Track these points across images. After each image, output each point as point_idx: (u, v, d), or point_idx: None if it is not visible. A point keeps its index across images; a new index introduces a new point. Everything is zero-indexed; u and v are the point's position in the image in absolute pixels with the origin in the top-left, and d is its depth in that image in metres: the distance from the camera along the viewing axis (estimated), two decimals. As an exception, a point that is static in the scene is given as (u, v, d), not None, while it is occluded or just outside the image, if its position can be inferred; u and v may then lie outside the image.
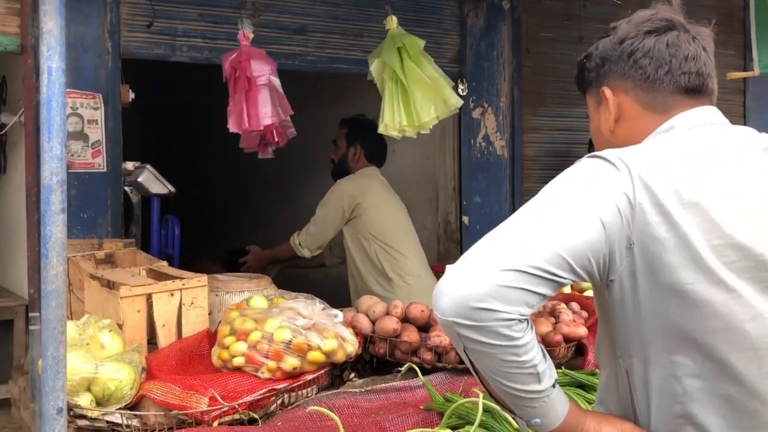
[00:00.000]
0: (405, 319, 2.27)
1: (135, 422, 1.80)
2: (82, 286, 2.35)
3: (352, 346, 2.08)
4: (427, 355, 2.16)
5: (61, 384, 1.50)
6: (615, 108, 1.26)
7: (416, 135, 2.94)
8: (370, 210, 3.42)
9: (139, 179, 3.21)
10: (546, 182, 1.16)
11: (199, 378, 1.91)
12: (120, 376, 1.81)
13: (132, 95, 3.30)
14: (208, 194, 6.62)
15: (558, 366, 2.20)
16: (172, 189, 3.25)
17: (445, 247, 4.43)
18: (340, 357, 2.04)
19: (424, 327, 2.27)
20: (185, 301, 2.15)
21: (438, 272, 3.46)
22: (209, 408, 1.79)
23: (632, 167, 1.10)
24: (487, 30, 4.18)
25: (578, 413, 1.19)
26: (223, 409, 1.81)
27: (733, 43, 4.81)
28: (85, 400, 1.79)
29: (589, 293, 2.85)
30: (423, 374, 2.08)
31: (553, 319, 2.41)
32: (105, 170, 3.27)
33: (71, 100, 3.14)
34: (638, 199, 1.08)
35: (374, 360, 2.27)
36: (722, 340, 1.10)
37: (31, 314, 3.01)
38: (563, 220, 1.08)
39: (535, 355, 1.09)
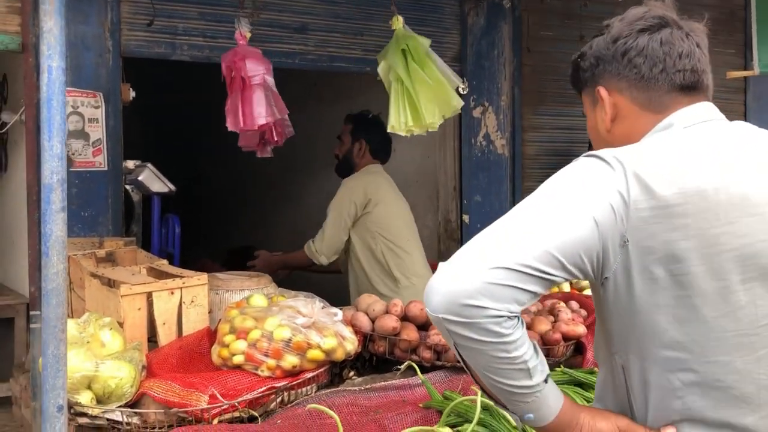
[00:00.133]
0: (404, 318, 2.27)
1: (135, 420, 1.81)
2: (83, 285, 2.36)
3: (351, 344, 2.08)
4: (427, 354, 2.16)
5: (61, 382, 1.51)
6: (611, 108, 1.26)
7: (425, 132, 2.96)
8: (379, 206, 3.39)
9: (140, 178, 3.22)
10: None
11: (199, 376, 1.92)
12: (120, 374, 1.82)
13: (133, 94, 3.31)
14: (208, 193, 6.62)
15: (557, 364, 2.20)
16: (173, 188, 3.26)
17: (446, 246, 4.43)
18: (339, 355, 2.04)
19: (424, 325, 2.27)
20: (185, 299, 2.16)
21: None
22: (209, 406, 1.79)
23: (627, 165, 1.10)
24: (487, 29, 4.18)
25: (573, 408, 1.19)
26: (223, 407, 1.81)
27: (734, 42, 4.81)
28: (85, 398, 1.80)
29: (588, 292, 2.86)
30: (422, 372, 2.08)
31: (552, 318, 2.41)
32: (106, 169, 3.27)
33: (72, 98, 3.14)
34: (633, 196, 1.09)
35: (374, 358, 2.28)
36: (716, 332, 1.11)
37: (32, 312, 3.03)
38: (555, 218, 1.08)
39: (525, 351, 1.10)
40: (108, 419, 1.81)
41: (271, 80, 2.79)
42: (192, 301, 2.17)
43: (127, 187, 3.39)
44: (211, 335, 2.16)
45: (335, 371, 2.15)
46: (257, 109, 2.73)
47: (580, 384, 2.10)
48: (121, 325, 2.04)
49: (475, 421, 1.74)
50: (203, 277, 2.21)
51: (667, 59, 1.21)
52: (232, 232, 6.54)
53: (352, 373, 2.17)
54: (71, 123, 3.15)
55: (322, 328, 2.03)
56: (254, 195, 6.45)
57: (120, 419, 1.80)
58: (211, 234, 6.19)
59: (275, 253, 3.68)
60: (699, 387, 1.12)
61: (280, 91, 2.86)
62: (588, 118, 1.33)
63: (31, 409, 2.77)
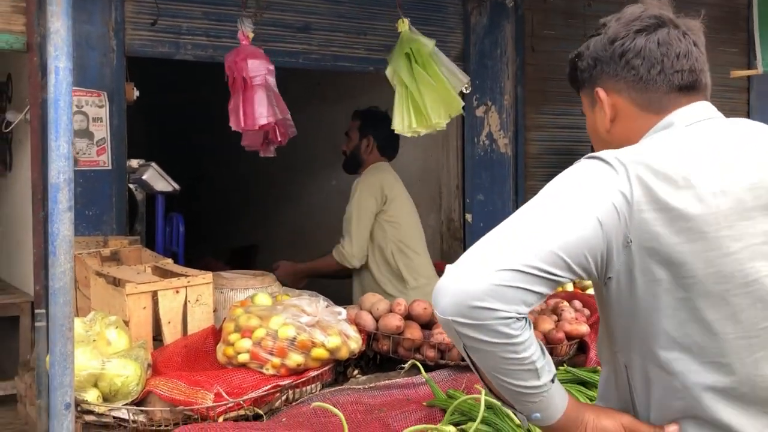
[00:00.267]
0: (408, 317, 2.28)
1: (141, 418, 1.82)
2: (88, 283, 2.37)
3: (355, 343, 2.09)
4: (430, 352, 2.17)
5: (68, 380, 1.52)
6: (610, 109, 1.26)
7: (435, 131, 3.00)
8: (393, 205, 3.36)
9: (144, 177, 3.23)
10: (550, 180, 1.17)
11: (205, 374, 1.93)
12: (126, 372, 1.83)
13: (136, 93, 3.32)
14: (211, 192, 6.64)
15: (560, 363, 2.21)
16: (177, 187, 3.27)
17: (449, 245, 4.44)
18: (343, 354, 2.05)
19: (427, 324, 2.28)
20: (190, 298, 2.17)
21: (441, 270, 3.44)
22: (215, 404, 1.80)
23: (629, 166, 1.11)
24: (490, 28, 4.18)
25: (577, 407, 1.20)
26: (228, 405, 1.82)
27: (738, 41, 4.80)
28: (92, 396, 1.81)
29: (591, 291, 2.86)
30: (426, 371, 2.09)
31: (555, 317, 2.42)
32: (110, 168, 3.28)
33: (76, 98, 3.15)
34: (635, 197, 1.09)
35: (377, 357, 2.29)
36: (717, 334, 1.11)
37: (36, 311, 3.04)
38: (560, 219, 1.09)
39: (533, 352, 1.11)
40: (114, 417, 1.82)
41: (272, 80, 2.80)
42: (197, 300, 2.18)
43: (131, 186, 3.40)
44: (216, 334, 2.17)
45: (339, 370, 2.16)
46: (258, 110, 2.75)
47: (584, 383, 2.11)
48: (126, 323, 2.05)
49: (479, 419, 1.75)
50: (208, 276, 2.22)
51: (664, 60, 1.21)
52: (234, 231, 6.55)
53: (356, 372, 2.18)
54: (75, 122, 3.16)
55: (326, 327, 2.04)
56: (256, 194, 6.47)
57: (126, 417, 1.81)
58: (213, 233, 6.21)
59: (298, 262, 3.55)
60: (700, 387, 1.13)
61: (283, 91, 2.87)
62: (587, 117, 1.33)
63: (36, 406, 2.78)
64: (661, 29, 1.22)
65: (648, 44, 1.21)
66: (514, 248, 1.07)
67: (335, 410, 1.77)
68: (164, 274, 2.30)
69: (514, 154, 4.29)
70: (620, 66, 1.23)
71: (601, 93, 1.26)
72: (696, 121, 1.20)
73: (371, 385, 2.04)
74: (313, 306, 2.09)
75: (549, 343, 2.25)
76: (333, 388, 2.03)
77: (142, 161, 3.39)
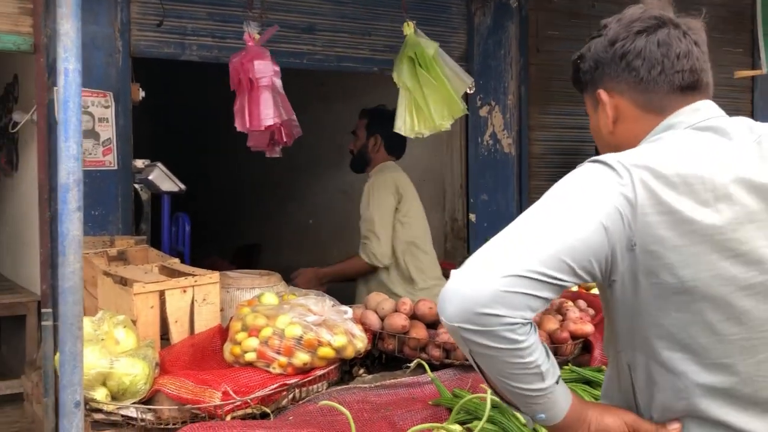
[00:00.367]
0: (413, 316, 2.29)
1: (149, 416, 1.83)
2: (95, 283, 2.38)
3: (361, 342, 2.10)
4: (436, 352, 2.18)
5: (78, 378, 1.53)
6: (612, 110, 1.26)
7: (441, 131, 3.02)
8: (405, 203, 3.35)
9: (150, 177, 3.24)
10: (554, 180, 1.18)
11: (212, 373, 1.94)
12: (134, 371, 1.84)
13: (142, 93, 3.33)
14: (216, 191, 6.66)
15: (565, 363, 2.22)
16: (183, 186, 3.28)
17: (452, 245, 4.45)
18: (349, 353, 2.06)
19: (433, 324, 2.29)
20: (197, 297, 2.18)
21: (445, 269, 3.45)
22: (222, 402, 1.81)
23: (632, 169, 1.11)
24: (494, 28, 4.19)
25: (581, 405, 1.21)
26: (235, 404, 1.83)
27: (742, 42, 4.80)
28: (100, 395, 1.82)
29: (596, 291, 2.87)
30: (431, 370, 2.10)
31: (560, 317, 2.43)
32: (116, 168, 3.30)
33: (82, 98, 3.16)
34: (639, 200, 1.10)
35: (383, 356, 2.30)
36: (720, 336, 1.12)
37: (43, 310, 3.06)
38: (564, 224, 1.09)
39: (538, 355, 1.12)
40: (123, 415, 1.83)
41: (278, 82, 2.81)
42: (204, 299, 2.19)
43: (137, 186, 3.41)
44: (222, 333, 2.18)
45: (345, 369, 2.17)
46: (264, 111, 2.76)
47: (588, 382, 2.11)
48: (134, 323, 2.06)
49: (485, 418, 1.75)
50: (215, 276, 2.23)
51: (665, 61, 1.21)
52: (238, 230, 6.57)
53: (362, 371, 2.19)
54: (81, 123, 3.17)
55: (332, 326, 2.05)
56: (261, 194, 6.48)
57: (134, 415, 1.82)
58: (218, 232, 6.22)
59: (318, 268, 3.46)
60: (702, 388, 1.14)
61: (287, 91, 2.88)
62: (591, 119, 1.34)
63: (43, 405, 2.81)
64: (662, 30, 1.22)
65: (648, 45, 1.21)
66: (519, 254, 1.08)
67: (342, 409, 1.77)
68: (171, 273, 2.31)
69: (517, 154, 4.30)
70: (621, 67, 1.23)
71: (603, 94, 1.26)
72: (698, 122, 1.20)
73: (377, 384, 2.05)
74: (319, 305, 2.10)
75: (554, 342, 2.26)
76: (339, 387, 2.04)
77: (147, 161, 3.39)
